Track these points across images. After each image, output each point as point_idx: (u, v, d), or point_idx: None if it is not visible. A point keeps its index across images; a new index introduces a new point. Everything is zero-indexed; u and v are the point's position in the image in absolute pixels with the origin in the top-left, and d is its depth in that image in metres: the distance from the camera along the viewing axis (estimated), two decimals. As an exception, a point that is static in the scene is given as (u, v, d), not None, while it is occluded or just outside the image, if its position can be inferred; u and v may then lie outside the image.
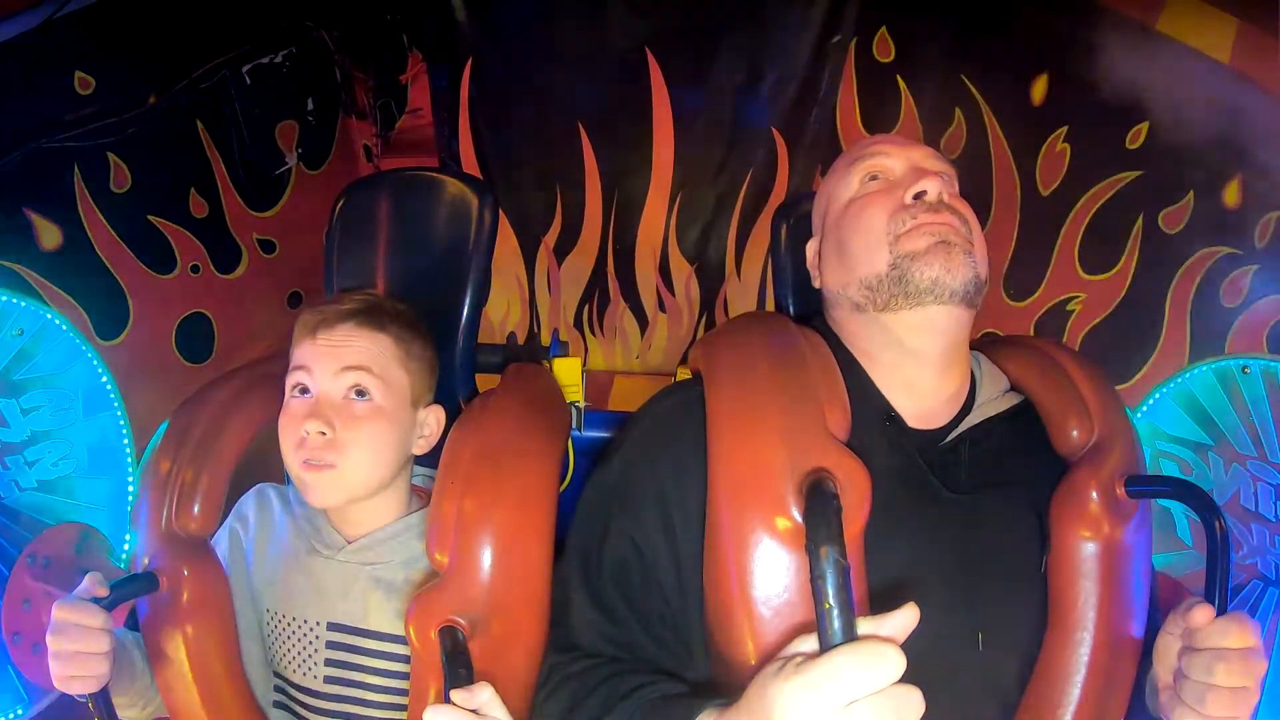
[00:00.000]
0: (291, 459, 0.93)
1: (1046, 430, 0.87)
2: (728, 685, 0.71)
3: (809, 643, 0.57)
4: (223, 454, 0.97)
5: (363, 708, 0.95)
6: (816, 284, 0.97)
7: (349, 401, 0.93)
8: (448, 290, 1.14)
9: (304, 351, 0.95)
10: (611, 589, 0.82)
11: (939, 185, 0.84)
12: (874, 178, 0.90)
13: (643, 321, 2.91)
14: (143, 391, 1.61)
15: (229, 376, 1.05)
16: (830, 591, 0.53)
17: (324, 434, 0.90)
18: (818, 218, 0.99)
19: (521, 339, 1.57)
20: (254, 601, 0.99)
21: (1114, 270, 1.80)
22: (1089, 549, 0.79)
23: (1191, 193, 1.62)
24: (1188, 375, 1.55)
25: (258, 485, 1.05)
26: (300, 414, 0.92)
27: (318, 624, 0.96)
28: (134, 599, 0.90)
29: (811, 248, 1.00)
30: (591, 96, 2.63)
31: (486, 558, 0.80)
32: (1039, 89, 1.97)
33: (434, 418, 1.01)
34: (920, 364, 0.85)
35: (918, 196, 0.84)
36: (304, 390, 0.94)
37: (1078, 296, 1.90)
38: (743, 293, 2.85)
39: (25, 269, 1.45)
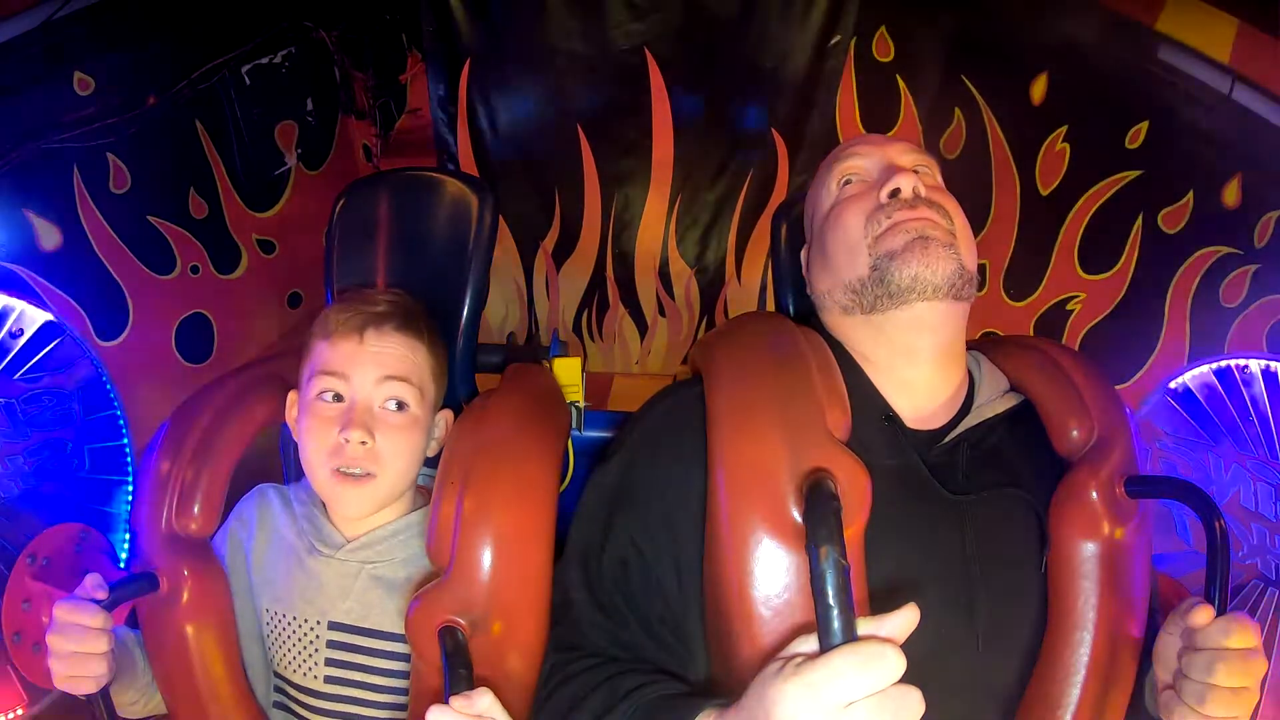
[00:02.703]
0: (321, 465, 0.91)
1: (1046, 430, 0.87)
2: (728, 685, 0.71)
3: (809, 643, 0.57)
4: (223, 454, 0.97)
5: (363, 708, 0.95)
6: (809, 291, 0.97)
7: (386, 411, 0.93)
8: (448, 290, 1.15)
9: (340, 354, 0.93)
10: (612, 589, 0.82)
11: (912, 181, 0.84)
12: (849, 180, 0.91)
13: (642, 326, 2.89)
14: (143, 391, 1.62)
15: (229, 376, 1.05)
16: (830, 591, 0.53)
17: (364, 444, 0.90)
18: (807, 224, 0.99)
19: (521, 342, 1.57)
20: (254, 601, 0.99)
21: (1114, 270, 1.80)
22: (1089, 549, 0.79)
23: (1191, 193, 1.62)
24: (1188, 375, 1.55)
25: (258, 486, 1.05)
26: (336, 420, 0.91)
27: (318, 623, 0.95)
28: (134, 599, 0.90)
29: (804, 255, 1.00)
30: (591, 98, 2.62)
31: (486, 558, 0.80)
32: (1039, 89, 1.97)
33: (444, 421, 1.01)
34: (914, 363, 0.85)
35: (893, 195, 0.84)
36: (338, 395, 0.92)
37: (1077, 296, 1.90)
38: (743, 296, 2.84)
39: (25, 269, 1.45)
